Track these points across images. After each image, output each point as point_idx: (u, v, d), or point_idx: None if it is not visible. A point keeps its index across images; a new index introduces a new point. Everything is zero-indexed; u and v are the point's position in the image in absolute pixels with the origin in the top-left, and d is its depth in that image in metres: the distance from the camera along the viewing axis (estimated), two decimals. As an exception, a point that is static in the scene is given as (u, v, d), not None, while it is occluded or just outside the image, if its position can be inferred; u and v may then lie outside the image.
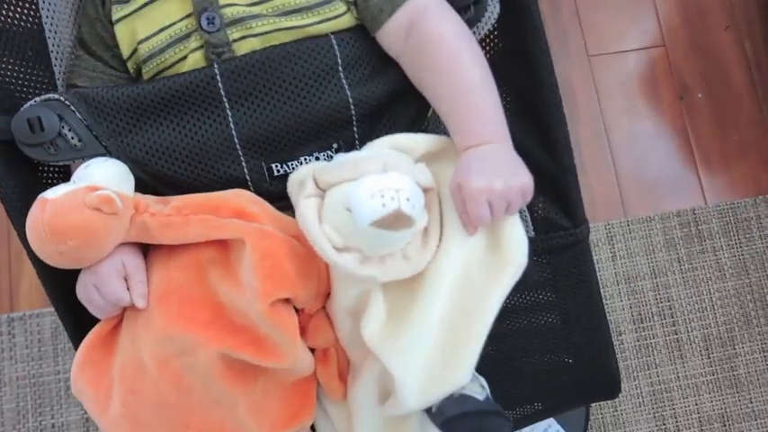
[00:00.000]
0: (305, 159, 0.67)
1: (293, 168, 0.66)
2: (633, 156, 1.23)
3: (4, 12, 0.66)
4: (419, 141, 0.65)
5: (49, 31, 0.70)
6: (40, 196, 0.60)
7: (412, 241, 0.61)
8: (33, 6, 0.69)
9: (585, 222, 0.74)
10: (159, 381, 0.61)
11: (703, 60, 1.29)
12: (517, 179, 0.63)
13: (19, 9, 0.68)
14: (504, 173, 0.62)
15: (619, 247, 1.16)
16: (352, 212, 0.57)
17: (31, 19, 0.69)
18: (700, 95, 1.28)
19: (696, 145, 1.25)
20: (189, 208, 0.61)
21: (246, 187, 0.66)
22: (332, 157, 0.67)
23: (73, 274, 0.65)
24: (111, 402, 0.62)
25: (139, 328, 0.61)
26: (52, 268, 0.63)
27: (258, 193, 0.67)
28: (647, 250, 1.16)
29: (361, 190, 0.57)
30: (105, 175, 0.62)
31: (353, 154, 0.64)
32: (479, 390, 0.67)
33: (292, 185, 0.65)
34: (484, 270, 0.63)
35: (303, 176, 0.63)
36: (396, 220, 0.57)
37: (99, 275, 0.62)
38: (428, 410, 0.64)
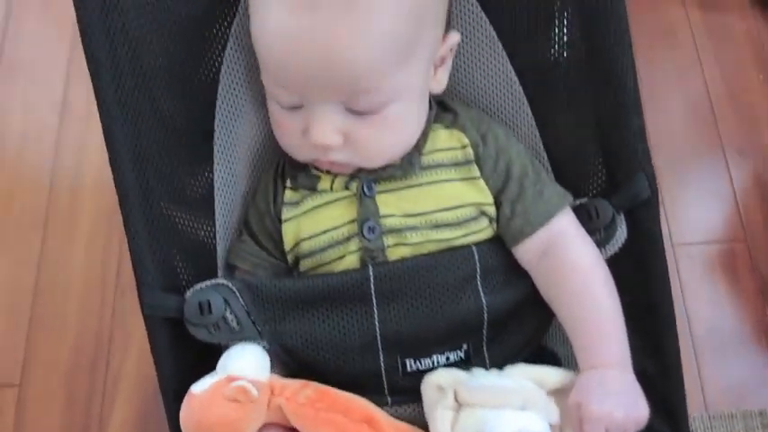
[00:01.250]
0: (437, 358, 0.71)
1: (426, 365, 0.71)
2: (715, 349, 1.25)
3: (184, 208, 0.74)
4: (552, 376, 0.68)
5: (219, 215, 0.78)
6: (189, 391, 0.65)
7: None
8: (210, 195, 0.78)
9: (689, 434, 0.77)
10: None
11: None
12: (636, 411, 0.66)
13: (199, 204, 0.76)
14: (625, 403, 0.65)
15: (700, 443, 1.16)
16: None
17: (206, 207, 0.77)
18: (780, 294, 1.30)
19: (777, 343, 1.26)
20: (323, 402, 0.65)
21: (380, 379, 0.71)
22: (461, 357, 0.72)
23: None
24: None
25: None
26: None
27: (390, 385, 0.71)
28: (729, 449, 1.16)
29: (500, 423, 0.62)
30: (242, 364, 0.67)
31: (496, 379, 0.67)
32: None
33: (428, 387, 0.68)
34: None
35: (441, 383, 0.67)
36: None
37: None
38: None
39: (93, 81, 0.65)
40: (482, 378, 0.67)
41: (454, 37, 0.75)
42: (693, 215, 1.36)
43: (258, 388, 0.65)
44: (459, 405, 0.65)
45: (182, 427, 0.64)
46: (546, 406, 0.66)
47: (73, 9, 0.62)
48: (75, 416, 1.18)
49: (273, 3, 0.66)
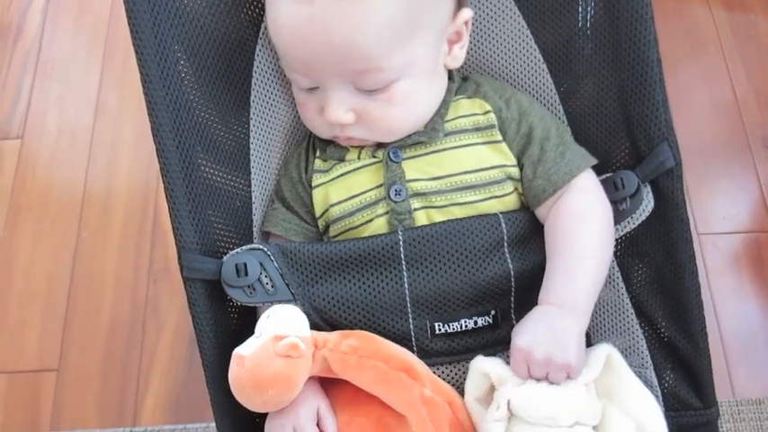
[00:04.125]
0: (465, 321, 0.73)
1: (454, 329, 0.73)
2: (741, 335, 1.25)
3: (222, 171, 0.77)
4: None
5: (255, 186, 0.82)
6: (235, 353, 0.67)
7: None
8: (247, 168, 0.81)
9: (716, 404, 0.77)
10: None
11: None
12: (562, 355, 0.65)
13: (235, 170, 0.79)
14: (552, 343, 0.66)
15: (727, 428, 1.16)
16: None
17: (243, 177, 0.80)
18: (806, 283, 1.30)
19: (804, 331, 1.26)
20: (365, 350, 0.68)
21: (410, 341, 0.73)
22: (489, 322, 0.73)
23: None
24: None
25: None
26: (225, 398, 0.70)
27: (419, 347, 0.73)
28: (757, 433, 1.16)
29: None
30: (286, 322, 0.69)
31: (553, 397, 0.65)
32: None
33: (474, 372, 0.69)
34: None
35: (487, 370, 0.68)
36: None
37: (299, 419, 0.68)
38: None
39: (137, 54, 0.67)
40: (538, 388, 0.66)
41: (466, 13, 0.78)
42: (719, 206, 1.37)
43: (304, 342, 0.67)
44: (510, 414, 0.66)
45: (233, 387, 0.66)
46: (595, 414, 0.67)
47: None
48: (111, 398, 1.22)
49: None
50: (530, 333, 0.67)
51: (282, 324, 0.68)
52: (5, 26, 1.59)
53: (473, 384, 0.70)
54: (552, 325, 0.68)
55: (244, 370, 0.65)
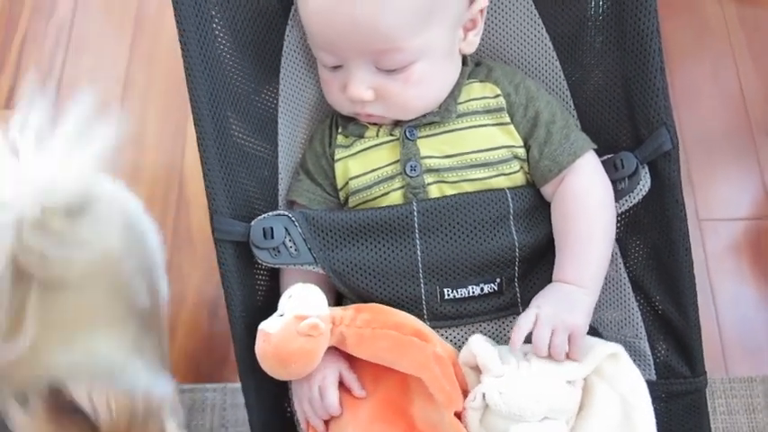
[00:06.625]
0: (472, 288, 0.79)
1: (462, 294, 0.79)
2: (737, 318, 1.30)
3: (252, 142, 0.83)
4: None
5: (282, 157, 0.88)
6: (261, 329, 0.73)
7: None
8: (275, 140, 0.88)
9: (705, 374, 0.82)
10: None
11: (809, 238, 1.37)
12: (568, 315, 0.73)
13: (264, 142, 0.86)
14: (561, 304, 0.74)
15: (719, 403, 1.22)
16: None
17: (271, 149, 0.87)
18: (805, 270, 1.35)
19: (800, 316, 1.31)
20: (377, 323, 0.74)
21: (420, 304, 0.79)
22: (495, 289, 0.79)
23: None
24: None
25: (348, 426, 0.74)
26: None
27: (429, 311, 0.79)
28: (748, 410, 1.21)
29: None
30: (306, 303, 0.75)
31: (524, 394, 0.69)
32: None
33: (467, 351, 0.74)
34: None
35: (475, 351, 0.72)
36: None
37: (325, 380, 0.75)
38: None
39: (177, 24, 0.73)
40: (511, 369, 0.71)
41: (482, 2, 0.83)
42: (721, 193, 1.41)
43: (323, 321, 0.74)
44: (486, 405, 0.71)
45: (260, 360, 0.73)
46: (571, 409, 0.71)
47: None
48: (135, 358, 1.28)
49: None
50: (543, 296, 0.76)
51: (303, 304, 0.74)
52: (40, 0, 1.65)
53: (464, 357, 0.75)
54: (563, 293, 0.76)
55: (270, 346, 0.72)
